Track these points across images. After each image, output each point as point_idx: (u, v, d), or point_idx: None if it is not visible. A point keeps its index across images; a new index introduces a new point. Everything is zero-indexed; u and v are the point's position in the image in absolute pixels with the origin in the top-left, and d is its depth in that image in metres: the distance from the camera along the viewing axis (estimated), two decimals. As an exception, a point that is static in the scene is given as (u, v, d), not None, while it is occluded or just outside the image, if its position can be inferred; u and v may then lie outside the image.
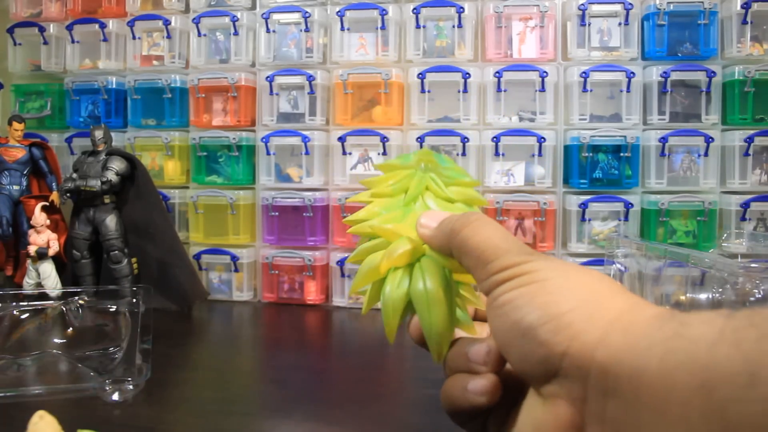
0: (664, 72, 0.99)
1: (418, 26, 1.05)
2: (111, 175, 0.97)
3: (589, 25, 1.02)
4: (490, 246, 0.33)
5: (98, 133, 1.01)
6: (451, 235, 0.36)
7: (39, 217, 0.99)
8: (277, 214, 1.08)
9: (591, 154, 1.01)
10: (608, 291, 0.30)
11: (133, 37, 1.15)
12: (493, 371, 0.36)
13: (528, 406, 0.32)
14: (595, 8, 1.02)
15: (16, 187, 1.07)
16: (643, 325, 0.26)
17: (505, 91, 1.02)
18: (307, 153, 1.06)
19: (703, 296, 0.84)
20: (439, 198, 0.44)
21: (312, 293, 1.06)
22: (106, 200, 0.98)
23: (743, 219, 0.99)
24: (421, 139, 1.02)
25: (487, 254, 0.33)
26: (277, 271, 1.07)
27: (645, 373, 0.25)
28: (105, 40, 1.16)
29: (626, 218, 1.01)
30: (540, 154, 1.01)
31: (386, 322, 0.39)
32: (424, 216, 0.38)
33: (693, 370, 0.23)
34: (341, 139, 1.05)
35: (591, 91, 1.01)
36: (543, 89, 1.01)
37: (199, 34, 1.12)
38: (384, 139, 1.03)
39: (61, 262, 1.03)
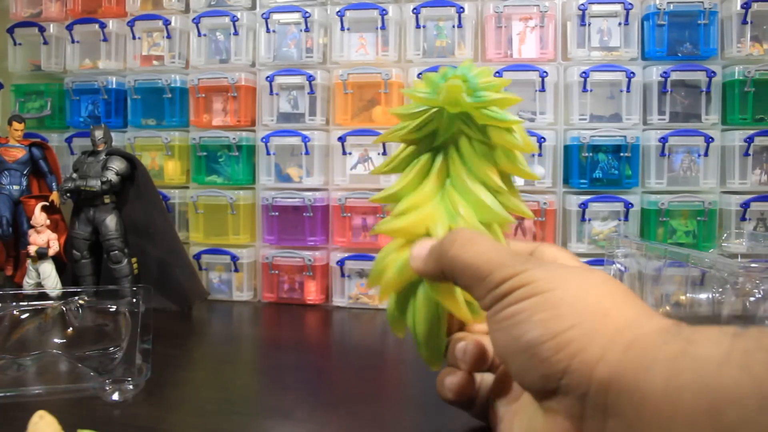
0: (664, 72, 0.99)
1: (418, 26, 1.05)
2: (111, 175, 0.97)
3: (589, 25, 1.02)
4: (482, 261, 0.32)
5: (98, 133, 1.01)
6: (441, 259, 0.35)
7: (39, 217, 0.99)
8: (277, 214, 1.08)
9: (591, 154, 1.01)
10: (610, 301, 0.29)
11: (133, 37, 1.15)
12: (470, 370, 0.39)
13: (529, 413, 0.32)
14: (595, 8, 1.02)
15: (16, 187, 1.07)
16: (646, 341, 0.26)
17: (505, 91, 1.02)
18: (307, 153, 1.06)
19: (703, 296, 0.84)
20: (473, 145, 0.39)
21: (312, 293, 1.06)
22: (106, 200, 0.98)
23: (743, 219, 0.99)
24: (421, 139, 1.02)
25: (481, 270, 0.32)
26: (277, 271, 1.07)
27: (649, 391, 0.24)
28: (105, 40, 1.16)
29: (626, 218, 1.01)
30: (540, 154, 1.01)
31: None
32: (414, 248, 0.38)
33: (700, 392, 0.22)
34: (341, 139, 1.05)
35: (591, 91, 1.01)
36: (543, 89, 1.01)
37: (199, 34, 1.12)
38: (384, 139, 1.03)
39: (61, 262, 1.03)
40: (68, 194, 0.98)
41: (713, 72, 0.98)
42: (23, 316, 0.72)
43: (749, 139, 0.98)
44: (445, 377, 0.40)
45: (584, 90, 1.01)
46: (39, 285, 1.00)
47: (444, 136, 0.40)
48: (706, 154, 1.00)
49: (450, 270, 0.34)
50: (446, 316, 0.41)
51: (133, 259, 0.99)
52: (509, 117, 0.38)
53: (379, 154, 1.05)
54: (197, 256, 1.09)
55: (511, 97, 0.38)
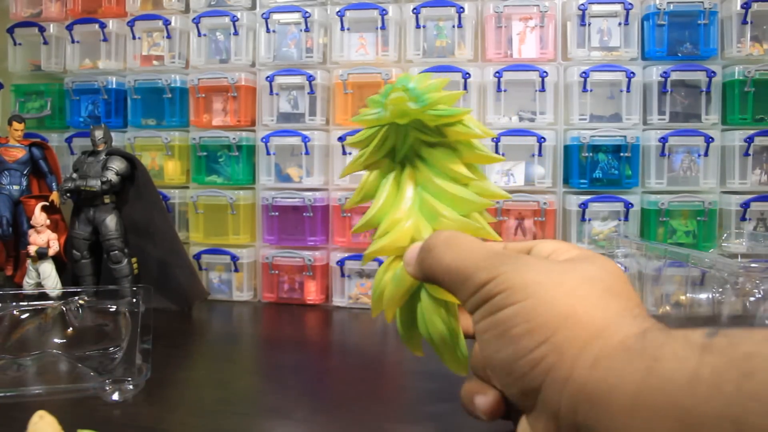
0: (664, 72, 0.99)
1: (418, 26, 1.05)
2: (111, 175, 0.97)
3: (589, 25, 1.02)
4: (460, 265, 0.32)
5: (98, 133, 1.01)
6: (423, 267, 0.35)
7: (39, 217, 0.99)
8: (277, 214, 1.08)
9: (591, 154, 1.01)
10: (584, 304, 0.28)
11: (133, 37, 1.15)
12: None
13: (523, 425, 0.32)
14: (595, 8, 1.02)
15: (16, 187, 1.07)
16: (611, 358, 0.25)
17: (505, 91, 1.02)
18: (307, 153, 1.06)
19: (703, 296, 0.84)
20: (432, 148, 0.41)
21: (312, 293, 1.06)
22: (106, 200, 0.98)
23: (743, 219, 0.99)
24: (421, 139, 1.02)
25: (459, 274, 0.32)
26: (277, 271, 1.07)
27: (617, 412, 0.23)
28: (105, 40, 1.16)
29: (626, 218, 1.01)
30: (540, 154, 1.01)
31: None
32: (407, 253, 0.38)
33: (670, 412, 0.22)
34: (341, 139, 1.05)
35: (591, 91, 1.01)
36: (543, 89, 1.01)
37: (199, 34, 1.12)
38: (384, 139, 1.03)
39: (61, 262, 1.03)
40: (68, 194, 0.98)
41: (713, 72, 0.98)
42: (23, 316, 0.72)
43: (749, 139, 0.98)
44: (475, 396, 0.37)
45: (584, 90, 1.01)
46: (39, 285, 1.00)
47: (403, 150, 0.41)
48: (706, 154, 1.00)
49: (431, 275, 0.34)
50: (458, 315, 0.41)
51: (133, 259, 0.99)
52: (458, 110, 0.39)
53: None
54: (197, 256, 1.09)
55: (454, 92, 0.39)
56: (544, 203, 1.00)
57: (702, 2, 0.98)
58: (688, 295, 0.87)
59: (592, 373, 0.25)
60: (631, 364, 0.24)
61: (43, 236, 1.00)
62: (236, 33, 1.10)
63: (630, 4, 1.00)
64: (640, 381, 0.23)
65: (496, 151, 1.02)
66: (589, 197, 1.00)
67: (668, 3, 0.99)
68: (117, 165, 0.98)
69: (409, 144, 0.41)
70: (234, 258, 1.08)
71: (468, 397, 0.37)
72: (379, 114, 0.40)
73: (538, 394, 0.27)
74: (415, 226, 0.41)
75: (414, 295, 0.41)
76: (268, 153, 1.08)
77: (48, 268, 1.00)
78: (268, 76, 1.08)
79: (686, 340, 0.23)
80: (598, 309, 0.28)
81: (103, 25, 1.15)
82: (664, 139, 0.99)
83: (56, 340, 0.69)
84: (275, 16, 1.09)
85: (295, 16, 1.08)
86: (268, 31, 1.09)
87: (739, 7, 0.97)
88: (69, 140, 1.18)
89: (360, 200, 0.44)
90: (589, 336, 0.27)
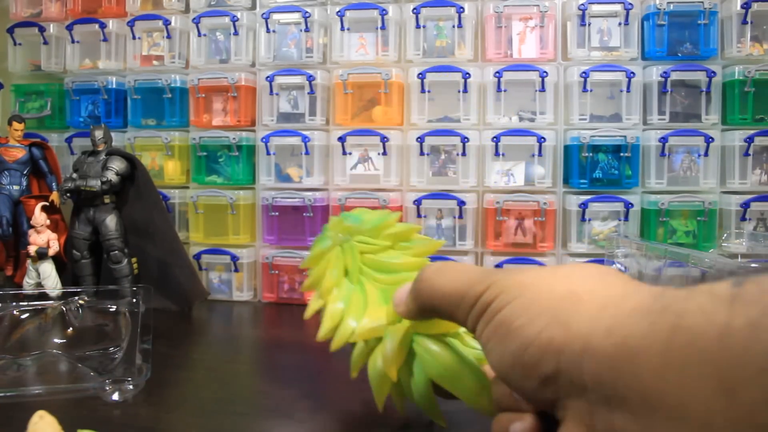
0: (664, 72, 0.99)
1: (418, 26, 1.05)
2: (111, 175, 0.97)
3: (589, 25, 1.02)
4: (454, 287, 0.33)
5: (98, 133, 1.01)
6: (417, 302, 0.36)
7: (39, 217, 0.99)
8: (277, 214, 1.08)
9: (591, 154, 1.01)
10: (582, 287, 0.28)
11: (133, 37, 1.15)
12: (535, 410, 0.34)
13: None
14: (595, 8, 1.02)
15: (16, 187, 1.07)
16: (629, 325, 0.24)
17: (505, 91, 1.02)
18: (307, 153, 1.06)
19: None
20: (378, 253, 0.47)
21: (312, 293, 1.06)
22: (106, 200, 0.98)
23: (743, 219, 0.99)
24: (421, 139, 1.03)
25: (454, 296, 0.33)
26: (277, 271, 1.07)
27: (647, 376, 0.22)
28: (105, 40, 1.16)
29: (626, 218, 1.01)
30: (540, 154, 1.01)
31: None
32: (395, 296, 0.40)
33: (706, 370, 0.20)
34: (341, 139, 1.05)
35: (591, 91, 1.01)
36: (543, 89, 1.01)
37: (199, 34, 1.12)
38: (384, 139, 1.03)
39: (61, 262, 1.03)
40: (68, 194, 0.98)
41: (713, 72, 0.98)
42: (23, 316, 0.72)
43: (749, 139, 0.98)
44: (510, 425, 0.33)
45: (584, 90, 1.01)
46: (39, 285, 1.00)
47: (355, 267, 0.47)
48: (706, 154, 1.00)
49: (428, 303, 0.35)
50: (464, 350, 0.42)
51: (133, 259, 0.99)
52: (389, 215, 0.48)
53: (379, 154, 1.05)
54: (197, 256, 1.09)
55: (380, 210, 0.50)
56: (544, 203, 1.00)
57: (702, 2, 0.98)
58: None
59: (609, 340, 0.24)
60: (653, 324, 0.22)
61: (43, 236, 1.00)
62: (236, 33, 1.10)
63: (630, 4, 1.00)
64: (665, 339, 0.22)
65: (497, 151, 1.02)
66: (589, 197, 1.00)
67: (668, 3, 0.99)
68: (117, 165, 0.98)
69: (358, 261, 0.47)
70: (234, 258, 1.08)
71: (503, 429, 0.34)
72: (323, 245, 0.48)
73: (557, 379, 0.26)
74: (389, 313, 0.44)
75: (408, 357, 0.43)
76: (268, 153, 1.08)
77: (48, 268, 1.00)
78: (268, 76, 1.08)
79: (711, 292, 0.21)
80: (598, 287, 0.27)
81: (103, 25, 1.15)
82: (664, 139, 0.99)
83: (56, 340, 0.69)
84: (275, 16, 1.09)
85: (295, 16, 1.08)
86: (268, 31, 1.09)
87: (739, 7, 0.97)
88: (69, 140, 1.18)
89: (332, 329, 0.48)
90: (595, 308, 0.26)
